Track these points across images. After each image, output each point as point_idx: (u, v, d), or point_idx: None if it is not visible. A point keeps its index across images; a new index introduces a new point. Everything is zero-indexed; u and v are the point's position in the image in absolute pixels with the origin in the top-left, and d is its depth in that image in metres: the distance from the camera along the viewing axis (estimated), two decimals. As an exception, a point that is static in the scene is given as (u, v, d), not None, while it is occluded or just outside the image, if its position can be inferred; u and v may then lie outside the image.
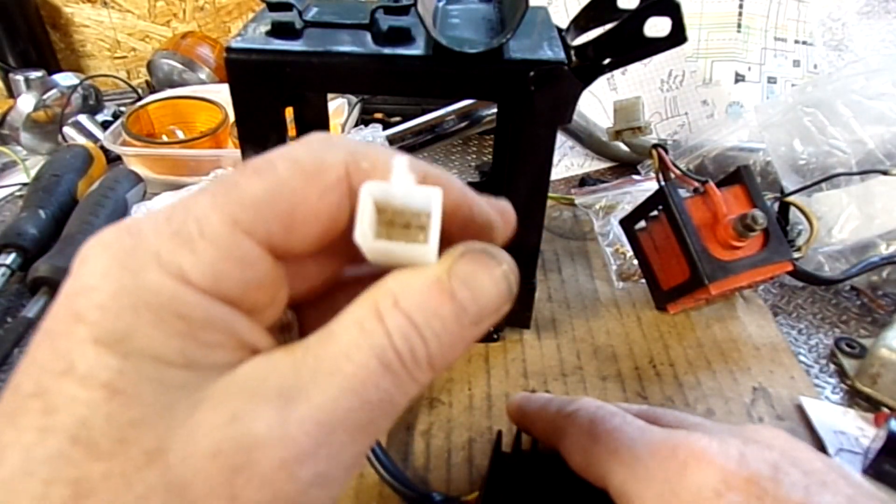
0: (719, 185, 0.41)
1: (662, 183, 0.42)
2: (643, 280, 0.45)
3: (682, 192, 0.42)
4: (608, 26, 0.31)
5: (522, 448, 0.30)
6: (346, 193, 0.15)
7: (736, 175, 0.42)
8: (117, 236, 0.14)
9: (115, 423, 0.12)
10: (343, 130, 0.62)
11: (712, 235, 0.40)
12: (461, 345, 0.15)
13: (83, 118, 0.67)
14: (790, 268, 0.41)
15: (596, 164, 0.67)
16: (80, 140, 0.65)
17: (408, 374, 0.14)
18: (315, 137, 0.15)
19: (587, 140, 0.67)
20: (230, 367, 0.13)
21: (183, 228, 0.13)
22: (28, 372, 0.13)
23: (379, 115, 0.71)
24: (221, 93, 0.67)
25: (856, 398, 0.39)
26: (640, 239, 0.45)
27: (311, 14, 0.33)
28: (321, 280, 0.18)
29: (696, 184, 0.42)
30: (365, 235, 0.14)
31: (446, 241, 0.15)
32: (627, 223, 0.45)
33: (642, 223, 0.45)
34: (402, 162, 0.15)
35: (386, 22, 0.32)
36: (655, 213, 0.43)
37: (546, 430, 0.27)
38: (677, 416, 0.26)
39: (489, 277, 0.15)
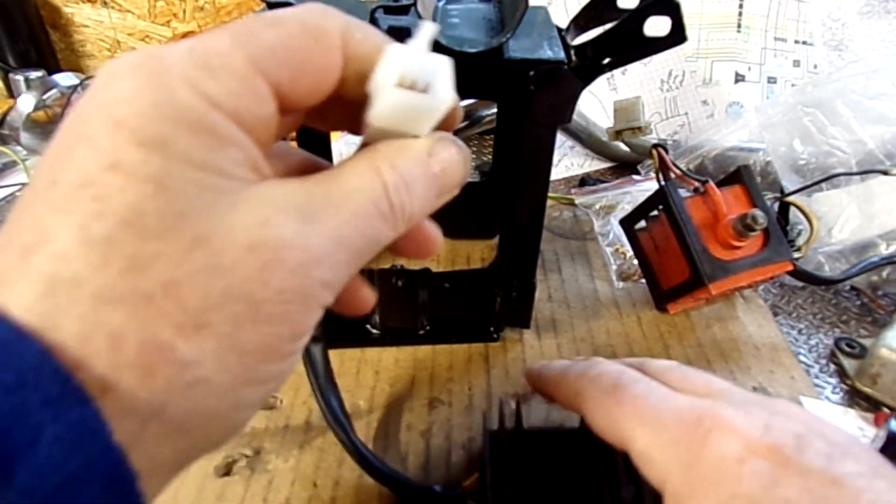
0: (719, 184, 0.41)
1: (662, 183, 0.42)
2: (643, 280, 0.45)
3: (682, 192, 0.42)
4: (608, 26, 0.31)
5: (506, 426, 0.31)
6: (341, 57, 0.17)
7: (736, 175, 0.42)
8: (144, 59, 0.15)
9: (163, 212, 0.13)
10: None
11: (712, 235, 0.40)
12: (428, 210, 0.19)
13: (83, 118, 0.67)
14: (790, 267, 0.41)
15: (596, 164, 0.67)
16: (80, 140, 0.65)
17: (393, 221, 0.17)
18: (313, 6, 0.17)
19: (587, 140, 0.67)
20: (252, 184, 0.15)
21: (207, 61, 0.15)
22: (65, 168, 0.14)
23: (379, 115, 0.71)
24: (221, 93, 0.67)
25: (856, 398, 0.39)
26: (640, 239, 0.45)
27: (311, 14, 0.33)
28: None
29: (696, 184, 0.42)
30: (387, 83, 0.16)
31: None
32: (627, 223, 0.45)
33: (642, 223, 0.45)
34: (428, 29, 0.17)
35: (386, 22, 0.32)
36: (655, 212, 0.43)
37: (567, 394, 0.28)
38: (706, 379, 0.26)
39: (456, 161, 0.19)
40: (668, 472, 0.22)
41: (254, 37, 0.15)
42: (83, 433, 0.12)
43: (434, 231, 0.21)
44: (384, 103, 0.17)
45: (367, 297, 0.21)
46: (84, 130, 0.14)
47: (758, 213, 0.38)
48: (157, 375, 0.13)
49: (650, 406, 0.23)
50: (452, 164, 0.19)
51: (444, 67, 0.17)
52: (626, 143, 0.65)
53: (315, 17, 0.16)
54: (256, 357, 0.15)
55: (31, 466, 0.11)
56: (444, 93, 0.17)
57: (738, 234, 0.39)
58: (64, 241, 0.13)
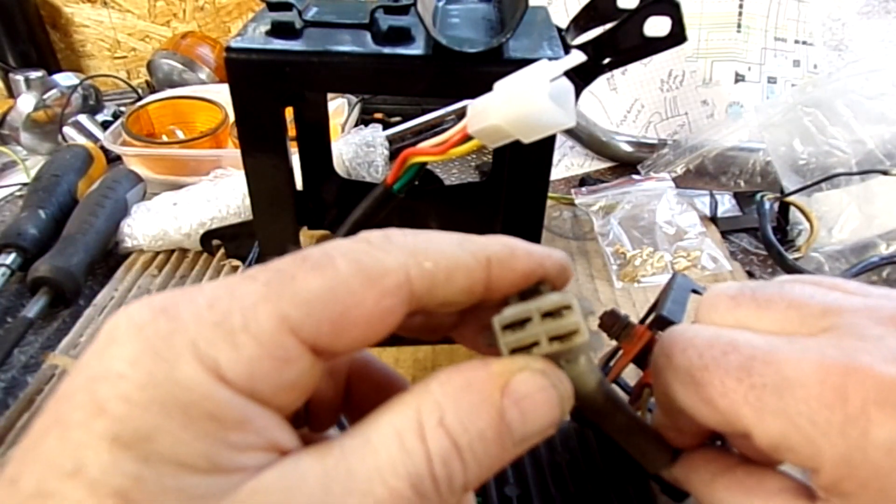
0: None
1: None
2: (643, 280, 0.45)
3: None
4: (608, 26, 0.31)
5: None
6: (404, 300, 0.14)
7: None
8: (152, 318, 0.13)
9: None
10: (343, 130, 0.62)
11: None
12: (497, 466, 0.14)
13: (83, 118, 0.67)
14: None
15: (596, 164, 0.67)
16: (80, 140, 0.65)
17: (440, 501, 0.13)
18: (376, 235, 0.14)
19: (587, 140, 0.67)
20: (256, 471, 0.12)
21: (226, 319, 0.13)
22: (30, 465, 0.12)
23: (379, 115, 0.71)
24: (221, 93, 0.67)
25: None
26: None
27: (311, 14, 0.33)
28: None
29: None
30: (544, 92, 0.17)
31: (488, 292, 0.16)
32: None
33: None
34: (578, 56, 0.18)
35: (386, 21, 0.32)
36: None
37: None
38: (813, 295, 0.18)
39: (544, 401, 0.14)
40: (817, 462, 0.16)
41: (291, 285, 0.13)
42: None
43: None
44: (531, 109, 0.17)
45: None
46: (63, 411, 0.12)
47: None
48: None
49: (763, 381, 0.16)
50: (537, 401, 0.14)
51: (572, 92, 0.18)
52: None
53: (373, 255, 0.14)
54: None
55: None
56: (573, 114, 0.17)
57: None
58: None
